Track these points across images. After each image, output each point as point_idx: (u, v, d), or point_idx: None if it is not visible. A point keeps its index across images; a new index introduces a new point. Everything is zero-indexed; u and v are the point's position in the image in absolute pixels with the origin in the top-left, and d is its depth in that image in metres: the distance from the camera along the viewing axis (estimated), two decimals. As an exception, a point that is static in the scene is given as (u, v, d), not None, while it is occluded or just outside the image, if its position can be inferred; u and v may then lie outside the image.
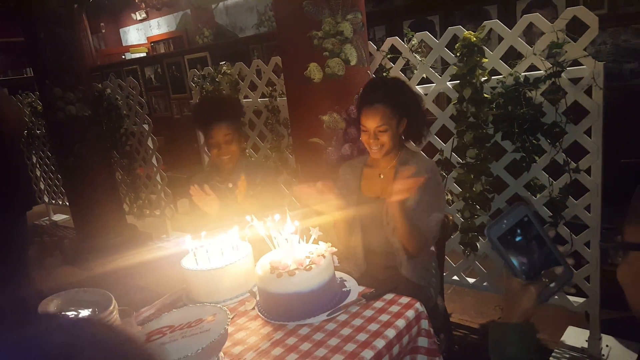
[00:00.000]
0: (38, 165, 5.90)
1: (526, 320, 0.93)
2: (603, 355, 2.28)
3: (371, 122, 1.82)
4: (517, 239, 0.91)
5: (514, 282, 0.93)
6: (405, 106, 1.84)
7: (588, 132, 2.13)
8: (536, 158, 2.25)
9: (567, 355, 2.32)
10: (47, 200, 6.00)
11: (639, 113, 2.86)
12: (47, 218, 6.01)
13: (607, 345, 2.31)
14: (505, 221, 0.91)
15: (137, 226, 4.81)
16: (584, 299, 2.31)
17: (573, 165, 2.16)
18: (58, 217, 5.97)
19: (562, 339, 2.41)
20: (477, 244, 2.56)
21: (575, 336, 2.41)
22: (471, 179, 2.44)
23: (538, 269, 0.92)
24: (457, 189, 2.54)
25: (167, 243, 4.68)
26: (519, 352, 0.92)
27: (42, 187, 5.96)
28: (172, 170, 5.42)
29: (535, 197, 2.33)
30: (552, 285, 0.93)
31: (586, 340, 2.32)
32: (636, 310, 0.88)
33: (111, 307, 1.37)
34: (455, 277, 2.75)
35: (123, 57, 8.74)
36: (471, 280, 2.73)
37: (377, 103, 1.81)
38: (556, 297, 2.38)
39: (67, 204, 5.12)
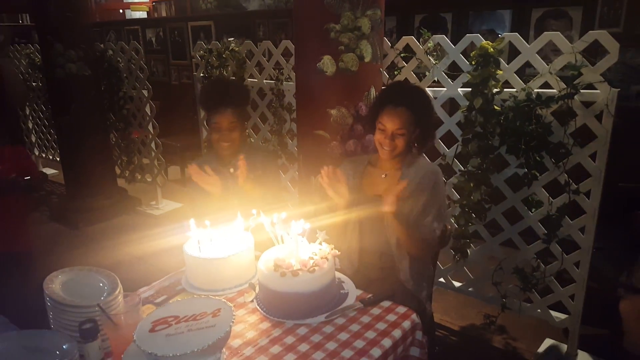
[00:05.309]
0: (31, 118, 5.80)
1: None
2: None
3: (392, 124, 1.82)
4: None
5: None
6: (423, 116, 1.86)
7: (592, 156, 2.16)
8: (538, 175, 2.29)
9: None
10: (37, 153, 5.93)
11: (640, 136, 2.90)
12: (36, 172, 5.94)
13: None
14: None
15: (127, 190, 4.80)
16: (566, 316, 2.39)
17: (574, 186, 2.20)
18: (47, 172, 5.87)
19: (538, 350, 2.50)
20: (468, 251, 2.61)
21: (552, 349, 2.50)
22: (470, 187, 2.47)
23: None
24: (456, 195, 2.57)
25: (156, 210, 4.69)
26: None
27: (34, 139, 5.87)
28: (165, 137, 5.35)
29: (532, 212, 2.38)
30: None
31: (563, 355, 2.41)
32: (630, 342, 0.96)
33: (117, 291, 1.38)
34: (441, 279, 2.81)
35: (120, 11, 8.51)
36: (457, 284, 2.79)
37: (403, 107, 1.81)
38: (539, 310, 2.46)
39: (58, 159, 5.07)
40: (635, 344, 0.96)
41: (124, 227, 4.31)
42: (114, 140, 4.70)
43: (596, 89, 2.08)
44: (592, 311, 2.37)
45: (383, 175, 1.96)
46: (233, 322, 1.24)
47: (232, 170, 2.16)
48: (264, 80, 3.37)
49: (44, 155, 5.86)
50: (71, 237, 4.14)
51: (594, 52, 2.10)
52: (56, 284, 1.37)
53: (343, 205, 1.88)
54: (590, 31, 2.05)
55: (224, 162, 2.20)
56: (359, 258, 1.99)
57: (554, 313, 2.44)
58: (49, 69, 4.02)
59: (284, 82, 3.22)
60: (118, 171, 4.81)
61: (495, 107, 2.32)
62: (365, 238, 1.98)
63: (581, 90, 2.08)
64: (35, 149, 5.91)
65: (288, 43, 3.05)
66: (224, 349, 1.31)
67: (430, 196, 1.84)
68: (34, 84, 5.44)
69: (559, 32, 2.12)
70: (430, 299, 2.10)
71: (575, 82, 2.07)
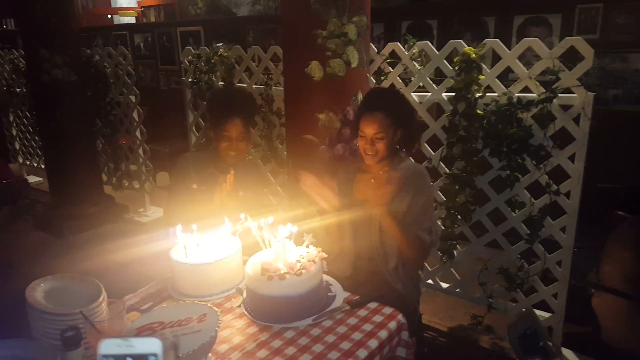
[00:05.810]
0: (15, 125, 5.74)
1: None
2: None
3: (370, 129, 1.87)
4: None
5: None
6: (402, 117, 1.89)
7: (572, 158, 2.22)
8: (520, 177, 2.33)
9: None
10: (21, 160, 5.86)
11: (619, 139, 2.97)
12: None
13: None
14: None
15: (114, 197, 4.76)
16: (550, 314, 2.43)
17: (554, 187, 2.25)
18: (32, 179, 5.82)
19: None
20: (454, 252, 2.65)
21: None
22: (456, 190, 2.51)
23: None
24: (442, 197, 2.61)
25: (143, 217, 4.66)
26: None
27: (17, 147, 5.81)
28: (153, 142, 5.33)
29: (515, 213, 2.42)
30: None
31: (547, 353, 2.45)
32: (606, 336, 1.01)
33: (100, 298, 1.38)
34: (429, 281, 2.84)
35: (109, 16, 8.49)
36: (445, 285, 2.82)
37: (378, 111, 1.86)
38: (523, 309, 2.50)
39: (42, 166, 5.01)
40: (612, 338, 1.01)
41: (111, 235, 4.26)
42: (100, 146, 4.67)
43: (574, 93, 2.14)
44: (575, 309, 2.42)
45: (372, 180, 2.00)
46: (219, 326, 1.25)
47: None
48: (253, 86, 3.39)
49: (28, 163, 5.80)
50: (57, 245, 4.08)
51: (573, 58, 2.15)
52: (38, 292, 1.36)
53: (332, 209, 1.89)
54: (567, 37, 2.11)
55: (220, 168, 2.15)
56: (351, 263, 2.01)
57: (538, 312, 2.47)
58: (34, 74, 3.98)
59: (273, 87, 3.24)
60: (105, 178, 4.77)
61: (478, 111, 2.36)
62: (358, 243, 1.99)
63: (559, 94, 2.14)
64: (20, 157, 5.85)
65: (277, 48, 3.07)
66: (210, 354, 1.32)
67: (415, 197, 1.86)
68: (18, 90, 5.39)
69: (537, 39, 2.18)
70: (419, 301, 2.13)
71: (553, 87, 2.12)
